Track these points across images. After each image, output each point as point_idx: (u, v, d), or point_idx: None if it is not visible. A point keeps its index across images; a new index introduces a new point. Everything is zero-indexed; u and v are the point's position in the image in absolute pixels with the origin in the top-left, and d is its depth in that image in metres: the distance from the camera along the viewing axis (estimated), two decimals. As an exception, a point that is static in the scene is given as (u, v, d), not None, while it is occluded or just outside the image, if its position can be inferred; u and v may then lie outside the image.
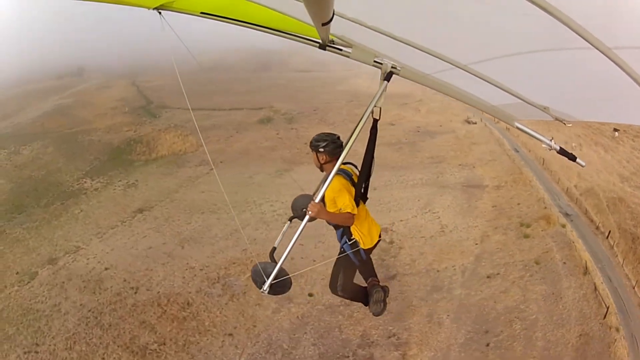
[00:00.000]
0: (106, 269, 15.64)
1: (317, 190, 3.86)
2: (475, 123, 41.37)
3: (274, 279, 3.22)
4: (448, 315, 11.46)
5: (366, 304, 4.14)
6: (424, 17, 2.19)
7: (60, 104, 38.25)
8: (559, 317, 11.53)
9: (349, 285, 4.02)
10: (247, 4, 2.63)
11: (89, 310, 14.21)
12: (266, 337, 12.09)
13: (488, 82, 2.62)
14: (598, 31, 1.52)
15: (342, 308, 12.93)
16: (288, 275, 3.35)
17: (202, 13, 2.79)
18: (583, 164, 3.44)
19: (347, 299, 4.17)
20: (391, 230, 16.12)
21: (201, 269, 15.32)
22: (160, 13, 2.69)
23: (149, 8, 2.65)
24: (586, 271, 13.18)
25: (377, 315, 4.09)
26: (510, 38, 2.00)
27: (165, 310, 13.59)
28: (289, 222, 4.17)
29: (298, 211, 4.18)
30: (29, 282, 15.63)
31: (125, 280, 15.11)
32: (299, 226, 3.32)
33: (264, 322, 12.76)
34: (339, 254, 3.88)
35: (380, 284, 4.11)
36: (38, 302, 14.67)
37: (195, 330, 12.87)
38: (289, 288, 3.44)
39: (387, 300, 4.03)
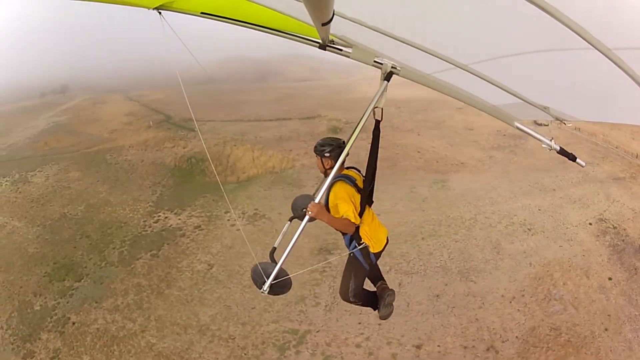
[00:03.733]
0: (442, 353, 12.86)
1: (317, 190, 3.84)
2: (547, 125, 42.71)
3: (274, 279, 3.21)
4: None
5: (375, 308, 4.13)
6: (423, 17, 2.19)
7: (57, 122, 32.99)
8: None
9: (360, 291, 4.00)
10: (247, 4, 2.62)
11: None
12: (616, 327, 13.85)
13: (488, 82, 2.62)
14: (598, 31, 1.52)
15: (610, 286, 15.11)
16: (288, 275, 3.35)
17: (202, 13, 2.78)
18: (583, 164, 3.42)
19: (358, 305, 4.11)
20: (606, 219, 18.47)
21: (515, 298, 15.33)
22: (160, 13, 2.69)
23: (148, 8, 2.64)
24: None
25: (385, 318, 4.02)
26: (511, 38, 2.00)
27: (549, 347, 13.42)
28: (289, 222, 4.15)
29: (298, 211, 4.17)
30: None
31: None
32: (299, 227, 3.31)
33: (602, 311, 14.37)
34: (348, 260, 3.86)
35: (389, 287, 4.12)
36: None
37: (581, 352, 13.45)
38: (289, 288, 3.42)
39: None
